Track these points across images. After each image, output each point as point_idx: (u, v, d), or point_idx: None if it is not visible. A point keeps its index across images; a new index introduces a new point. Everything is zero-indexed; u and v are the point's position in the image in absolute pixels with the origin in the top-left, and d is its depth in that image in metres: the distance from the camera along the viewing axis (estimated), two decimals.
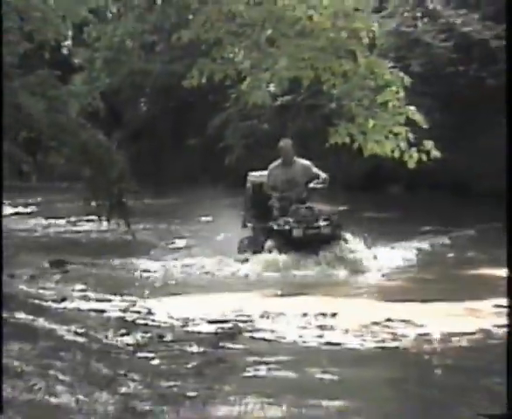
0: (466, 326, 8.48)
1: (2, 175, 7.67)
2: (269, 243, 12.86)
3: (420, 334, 8.13)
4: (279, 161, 13.30)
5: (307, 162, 13.37)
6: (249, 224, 13.84)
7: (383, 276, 12.27)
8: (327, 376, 6.82)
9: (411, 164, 10.74)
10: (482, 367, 7.21)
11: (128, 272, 12.14)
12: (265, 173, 13.59)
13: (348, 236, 12.86)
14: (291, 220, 12.57)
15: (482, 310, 9.45)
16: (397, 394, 6.70)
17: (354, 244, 12.88)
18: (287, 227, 12.58)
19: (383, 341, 7.97)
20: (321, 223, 12.50)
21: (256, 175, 14.00)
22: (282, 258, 12.48)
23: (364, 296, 10.75)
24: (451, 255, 14.15)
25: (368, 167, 13.14)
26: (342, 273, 12.20)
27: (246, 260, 12.91)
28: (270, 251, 12.72)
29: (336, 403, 6.06)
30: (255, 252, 13.03)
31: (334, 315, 8.91)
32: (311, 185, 13.06)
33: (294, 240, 12.49)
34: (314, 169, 13.32)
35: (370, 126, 10.85)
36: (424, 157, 10.73)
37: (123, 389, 6.08)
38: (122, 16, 16.84)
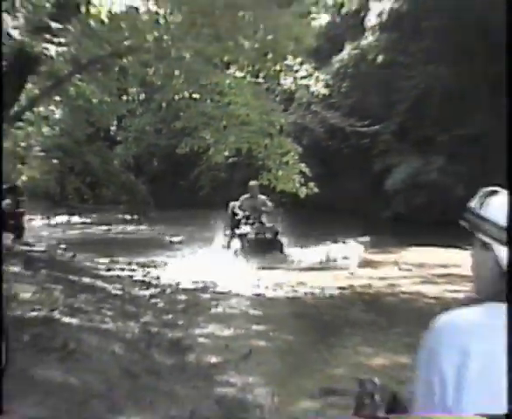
0: (332, 284, 8.54)
1: (1, 181, 6.55)
2: (234, 242, 12.37)
3: (308, 291, 8.15)
4: (248, 195, 12.61)
5: (264, 197, 12.82)
6: (227, 232, 12.92)
7: (297, 260, 11.69)
8: (255, 312, 6.87)
9: (302, 195, 11.10)
10: (350, 307, 7.22)
11: (145, 256, 11.92)
12: (237, 203, 12.67)
13: (282, 239, 12.35)
14: (248, 229, 12.14)
15: (343, 275, 9.48)
16: (297, 322, 6.77)
17: (284, 244, 12.32)
18: (244, 232, 12.15)
19: (288, 293, 8.00)
20: (266, 232, 12.10)
21: (233, 204, 13.24)
22: (241, 252, 11.99)
23: (281, 270, 10.47)
24: (330, 248, 13.41)
25: (280, 197, 13.13)
26: (273, 258, 11.71)
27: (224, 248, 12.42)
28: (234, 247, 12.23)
29: (261, 327, 6.14)
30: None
31: (259, 279, 8.90)
32: (263, 209, 12.54)
33: (249, 241, 12.03)
34: (268, 202, 12.79)
35: (280, 174, 11.10)
36: (309, 192, 11.04)
37: (142, 320, 6.06)
38: (144, 113, 16.82)
